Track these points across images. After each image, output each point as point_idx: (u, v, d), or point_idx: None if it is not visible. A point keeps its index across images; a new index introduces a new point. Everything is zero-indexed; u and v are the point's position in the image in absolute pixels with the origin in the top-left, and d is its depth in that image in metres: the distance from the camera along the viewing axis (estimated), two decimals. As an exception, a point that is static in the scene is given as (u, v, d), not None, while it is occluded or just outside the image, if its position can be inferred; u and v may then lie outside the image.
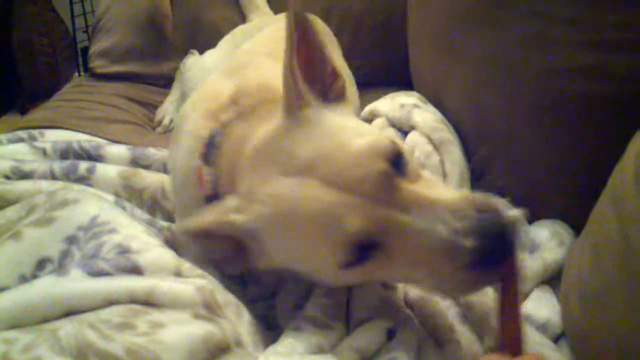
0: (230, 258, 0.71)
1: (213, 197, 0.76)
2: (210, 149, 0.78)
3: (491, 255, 0.57)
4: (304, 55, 0.68)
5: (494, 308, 0.62)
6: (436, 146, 1.05)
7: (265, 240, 0.66)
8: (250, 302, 0.76)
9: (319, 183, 0.61)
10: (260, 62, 0.97)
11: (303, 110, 0.68)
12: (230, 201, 0.69)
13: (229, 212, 0.68)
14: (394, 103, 1.18)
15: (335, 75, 0.73)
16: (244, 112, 0.79)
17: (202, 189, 0.78)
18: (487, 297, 0.74)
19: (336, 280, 0.67)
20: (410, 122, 1.10)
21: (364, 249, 0.60)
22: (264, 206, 0.65)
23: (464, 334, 0.71)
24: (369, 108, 1.23)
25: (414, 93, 1.24)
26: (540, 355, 0.59)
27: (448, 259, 0.58)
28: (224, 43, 1.45)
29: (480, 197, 0.61)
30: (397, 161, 0.62)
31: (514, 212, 0.60)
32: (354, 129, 0.66)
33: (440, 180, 0.67)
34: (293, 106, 0.68)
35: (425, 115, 1.11)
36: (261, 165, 0.67)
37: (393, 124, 1.16)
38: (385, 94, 1.26)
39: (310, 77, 0.69)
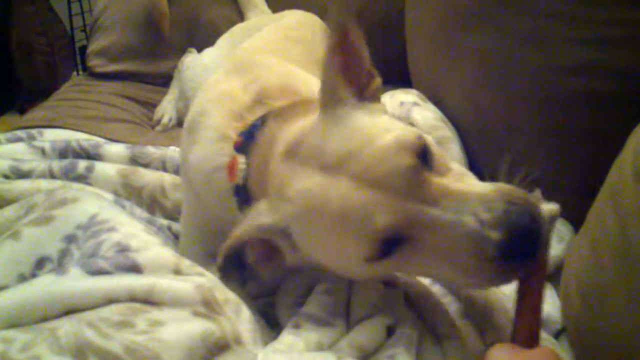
0: (264, 260, 0.72)
1: (242, 188, 0.76)
2: (248, 140, 0.77)
3: (517, 249, 0.56)
4: (343, 56, 0.68)
5: (514, 299, 0.61)
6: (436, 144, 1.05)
7: (294, 236, 0.67)
8: (249, 299, 0.76)
9: (348, 180, 0.61)
10: (268, 62, 0.96)
11: (337, 108, 0.68)
12: (260, 205, 0.70)
13: (258, 217, 0.68)
14: (393, 101, 1.18)
15: (371, 76, 0.72)
16: (279, 111, 0.79)
17: (233, 178, 0.77)
18: (489, 292, 0.74)
19: (361, 273, 0.67)
20: (409, 120, 1.10)
21: (391, 244, 0.60)
22: (293, 203, 0.65)
23: (464, 330, 0.71)
24: (368, 106, 1.23)
25: (413, 91, 1.24)
26: (554, 351, 0.59)
27: (474, 251, 0.57)
28: (223, 41, 1.45)
29: (512, 189, 0.60)
30: (424, 155, 0.62)
31: (547, 206, 0.60)
32: (383, 125, 0.66)
33: (468, 173, 0.66)
34: (328, 104, 0.68)
35: (424, 114, 1.11)
36: (292, 162, 0.68)
37: (392, 121, 1.16)
38: (385, 92, 1.26)
39: (347, 77, 0.70)
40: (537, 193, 0.62)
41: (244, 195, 0.77)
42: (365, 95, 0.71)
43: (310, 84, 0.87)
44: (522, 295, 0.60)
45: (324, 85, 0.69)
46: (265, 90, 0.84)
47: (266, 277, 0.73)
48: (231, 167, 0.78)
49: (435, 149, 0.64)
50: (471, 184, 0.62)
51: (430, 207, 0.59)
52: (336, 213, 0.61)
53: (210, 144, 0.83)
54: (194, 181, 0.87)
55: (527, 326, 0.59)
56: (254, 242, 0.70)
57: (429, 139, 0.65)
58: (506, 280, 0.61)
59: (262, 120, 0.78)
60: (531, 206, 0.58)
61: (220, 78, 0.94)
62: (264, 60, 0.98)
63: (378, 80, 0.73)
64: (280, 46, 1.15)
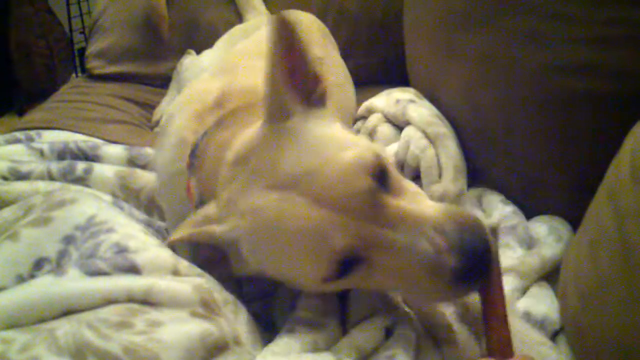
0: (213, 262, 0.73)
1: (200, 206, 0.76)
2: (192, 159, 0.78)
3: (472, 271, 0.58)
4: (287, 61, 0.67)
5: (480, 315, 0.63)
6: (431, 140, 1.05)
7: (243, 249, 0.67)
8: (245, 301, 0.76)
9: (304, 199, 0.60)
10: (251, 64, 0.96)
11: (286, 120, 0.67)
12: (210, 209, 0.70)
13: (207, 222, 0.69)
14: (389, 99, 1.19)
15: (317, 79, 0.71)
16: (225, 117, 0.79)
17: (191, 200, 0.78)
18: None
19: (316, 289, 0.68)
20: (405, 117, 1.11)
21: (347, 264, 0.61)
22: (244, 218, 0.65)
23: (462, 333, 0.71)
24: (365, 104, 1.24)
25: (410, 89, 1.24)
26: (531, 357, 0.60)
27: (430, 274, 0.59)
28: (222, 43, 1.44)
29: (462, 211, 0.62)
30: (381, 175, 0.62)
31: (490, 221, 0.61)
32: (339, 140, 0.66)
33: (420, 192, 0.67)
34: (275, 116, 0.67)
35: (420, 110, 1.11)
36: (242, 174, 0.67)
37: (389, 119, 1.16)
38: (382, 92, 1.27)
39: (292, 82, 0.68)
40: (472, 211, 0.64)
41: None
42: (312, 100, 0.70)
43: None
44: (486, 307, 0.61)
45: (269, 97, 0.68)
46: (227, 91, 0.84)
47: (215, 277, 0.74)
48: (188, 190, 0.79)
49: (391, 167, 0.65)
50: (425, 206, 0.63)
51: (387, 230, 0.60)
52: (292, 232, 0.61)
53: (171, 149, 0.84)
54: (161, 186, 0.89)
55: (498, 336, 0.60)
56: (206, 243, 0.71)
57: (386, 157, 0.66)
58: (460, 296, 0.66)
59: (204, 135, 0.79)
60: (481, 228, 0.60)
61: (203, 79, 0.95)
62: (249, 62, 0.98)
63: (324, 84, 0.72)
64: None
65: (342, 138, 0.67)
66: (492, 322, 0.60)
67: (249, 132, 0.71)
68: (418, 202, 0.63)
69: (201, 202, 0.76)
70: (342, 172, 0.61)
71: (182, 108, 0.87)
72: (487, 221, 0.62)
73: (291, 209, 0.61)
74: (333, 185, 0.60)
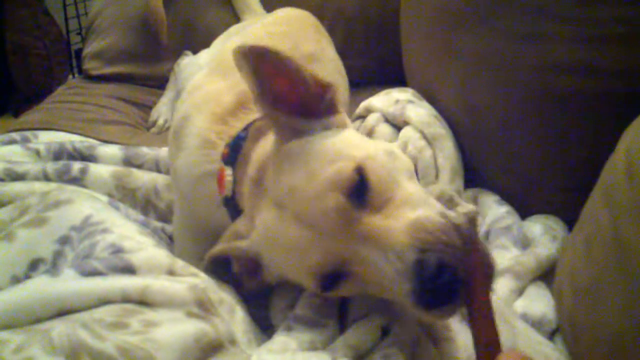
0: (247, 273, 0.75)
1: (231, 200, 0.78)
2: (234, 152, 0.79)
3: (430, 299, 0.56)
4: (281, 82, 0.68)
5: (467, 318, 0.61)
6: (429, 141, 1.06)
7: (264, 261, 0.70)
8: (243, 301, 0.76)
9: (291, 217, 0.63)
10: None
11: (290, 140, 0.69)
12: (239, 225, 0.74)
13: (237, 237, 0.73)
14: (389, 99, 1.19)
15: (323, 87, 0.71)
16: (259, 125, 0.80)
17: (222, 189, 0.79)
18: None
19: (327, 296, 0.69)
20: (403, 117, 1.11)
21: (332, 278, 0.63)
22: (258, 232, 0.69)
23: (460, 332, 0.71)
24: (364, 104, 1.23)
25: (409, 89, 1.24)
26: (519, 352, 0.59)
27: (397, 295, 0.59)
28: (218, 41, 1.44)
29: (430, 226, 0.58)
30: (359, 190, 0.62)
31: (466, 208, 0.59)
32: (329, 155, 0.65)
33: (409, 200, 0.63)
34: (279, 138, 0.70)
35: (418, 111, 1.11)
36: (256, 191, 0.71)
37: (387, 119, 1.16)
38: (380, 92, 1.27)
39: (291, 101, 0.69)
40: (456, 198, 0.62)
41: (233, 206, 0.79)
42: (322, 108, 0.71)
43: None
44: (470, 305, 0.59)
45: (271, 124, 0.70)
46: (247, 93, 0.84)
47: (250, 288, 0.76)
48: (220, 179, 0.79)
49: (376, 177, 0.63)
50: (396, 222, 0.60)
51: (360, 247, 0.60)
52: (284, 248, 0.65)
53: (195, 151, 0.85)
54: (182, 187, 0.89)
55: (484, 335, 0.58)
56: (238, 256, 0.74)
57: (375, 164, 0.64)
58: (438, 319, 0.65)
59: (246, 133, 0.80)
60: (444, 247, 0.57)
61: (205, 79, 0.94)
62: None
63: (332, 91, 0.71)
64: (265, 43, 1.14)
65: (335, 150, 0.66)
66: (479, 322, 0.59)
67: (266, 145, 0.73)
68: (394, 217, 0.61)
69: (233, 194, 0.78)
70: (316, 191, 0.62)
71: (198, 109, 0.87)
72: (465, 209, 0.59)
73: (281, 227, 0.64)
74: (308, 204, 0.62)
